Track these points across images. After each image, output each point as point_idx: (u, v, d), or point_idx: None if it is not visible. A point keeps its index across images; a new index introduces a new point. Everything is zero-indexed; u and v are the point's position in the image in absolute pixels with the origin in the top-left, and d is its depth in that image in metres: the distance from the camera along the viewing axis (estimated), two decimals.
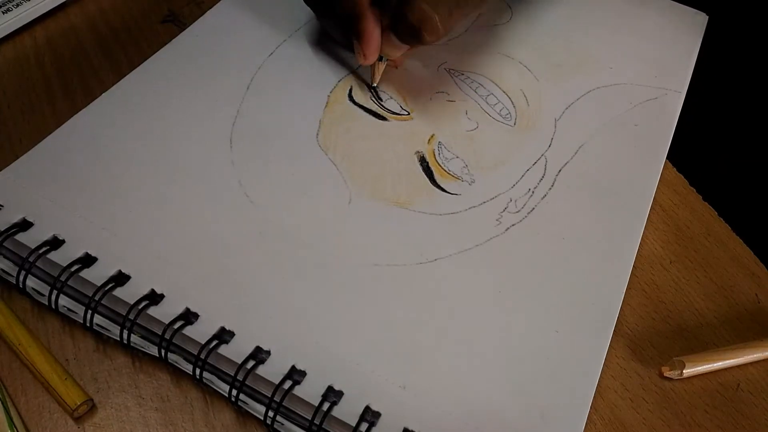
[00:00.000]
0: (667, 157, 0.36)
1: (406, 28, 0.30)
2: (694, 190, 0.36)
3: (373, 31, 0.32)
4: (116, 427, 0.26)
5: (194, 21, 0.38)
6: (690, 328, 0.31)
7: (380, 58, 0.34)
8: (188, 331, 0.26)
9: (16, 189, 0.29)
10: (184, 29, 0.38)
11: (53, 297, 0.27)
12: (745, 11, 0.47)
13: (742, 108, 0.47)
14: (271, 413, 0.25)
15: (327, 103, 0.35)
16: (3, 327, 0.27)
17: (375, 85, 0.36)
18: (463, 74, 0.38)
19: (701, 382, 0.29)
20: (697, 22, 0.43)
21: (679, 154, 0.37)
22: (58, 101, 0.36)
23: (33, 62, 0.38)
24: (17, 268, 0.27)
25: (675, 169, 0.37)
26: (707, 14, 0.44)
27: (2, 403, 0.25)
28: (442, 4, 0.30)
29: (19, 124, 0.35)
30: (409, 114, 0.36)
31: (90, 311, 0.27)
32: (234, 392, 0.26)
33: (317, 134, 0.34)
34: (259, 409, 0.26)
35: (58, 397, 0.26)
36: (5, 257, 0.29)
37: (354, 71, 0.37)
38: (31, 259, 0.27)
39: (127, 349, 0.27)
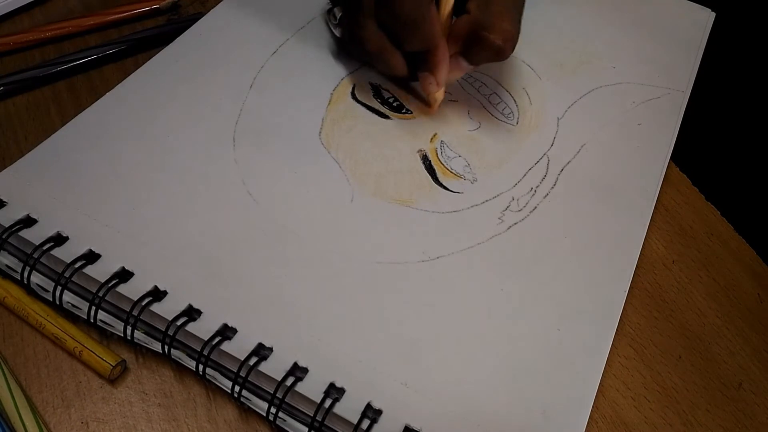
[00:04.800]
0: (670, 157, 0.36)
1: (488, 51, 0.31)
2: (697, 190, 0.36)
3: (445, 59, 0.32)
4: (119, 422, 0.26)
5: (198, 19, 0.39)
6: (692, 327, 0.31)
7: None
8: (191, 327, 0.26)
9: (21, 186, 0.30)
10: (188, 28, 0.38)
11: (57, 293, 0.27)
12: (751, 9, 0.47)
13: (745, 108, 0.47)
14: (273, 409, 0.25)
15: (330, 101, 0.35)
16: (24, 305, 0.28)
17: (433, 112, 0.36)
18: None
19: (703, 381, 0.29)
20: (702, 19, 0.43)
21: (683, 154, 0.37)
22: (63, 99, 0.36)
23: (37, 59, 0.38)
24: (22, 265, 0.28)
25: (678, 168, 0.37)
26: (714, 11, 0.43)
27: (4, 377, 0.26)
28: (514, 17, 0.31)
29: (24, 121, 0.35)
30: (411, 113, 0.36)
31: (94, 307, 0.27)
32: (237, 388, 0.26)
33: (320, 132, 0.34)
34: (261, 406, 0.26)
35: (95, 359, 0.26)
36: (10, 253, 0.29)
37: (355, 70, 0.37)
38: (35, 256, 0.27)
39: (131, 345, 0.27)
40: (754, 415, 0.28)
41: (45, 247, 0.27)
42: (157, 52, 0.36)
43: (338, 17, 0.38)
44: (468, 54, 0.32)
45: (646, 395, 0.29)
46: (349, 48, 0.37)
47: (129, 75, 0.35)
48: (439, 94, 0.35)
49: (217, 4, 0.40)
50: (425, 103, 0.36)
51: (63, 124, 0.32)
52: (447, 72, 0.33)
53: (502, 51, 0.31)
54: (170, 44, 0.37)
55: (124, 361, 0.27)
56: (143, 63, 0.36)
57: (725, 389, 0.29)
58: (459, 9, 0.33)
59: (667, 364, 0.29)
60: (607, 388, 0.28)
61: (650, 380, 0.29)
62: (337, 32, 0.38)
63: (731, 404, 0.29)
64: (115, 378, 0.27)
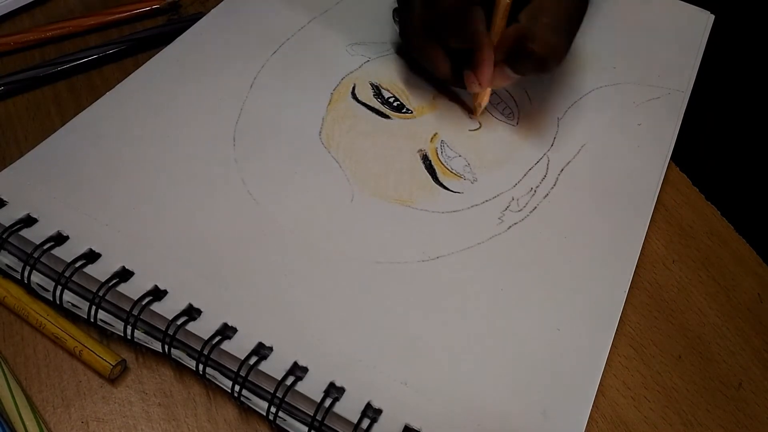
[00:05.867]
0: (670, 157, 0.36)
1: (531, 61, 0.31)
2: (697, 190, 0.36)
3: (490, 60, 0.32)
4: (119, 422, 0.26)
5: (198, 19, 0.39)
6: (692, 327, 0.31)
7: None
8: (191, 327, 0.26)
9: (21, 186, 0.30)
10: (188, 28, 0.38)
11: (58, 292, 0.27)
12: (750, 11, 0.47)
13: (745, 108, 0.47)
14: (273, 409, 0.25)
15: (330, 100, 0.35)
16: (24, 304, 0.28)
17: (477, 117, 0.36)
18: None
19: (703, 381, 0.29)
20: (702, 21, 0.43)
21: (683, 154, 0.37)
22: (63, 99, 0.36)
23: (37, 59, 0.38)
24: (22, 264, 0.28)
25: (678, 168, 0.37)
26: (713, 13, 0.43)
27: (4, 377, 0.26)
28: (562, 31, 0.31)
29: (24, 121, 0.35)
30: (412, 112, 0.36)
31: (94, 307, 0.27)
32: (236, 388, 0.26)
33: (320, 132, 0.34)
34: (261, 405, 0.26)
35: (95, 359, 0.26)
36: (10, 253, 0.29)
37: (356, 70, 0.37)
38: (35, 255, 0.27)
39: (131, 344, 0.27)
40: (754, 415, 0.28)
41: (45, 247, 0.27)
42: (157, 52, 0.36)
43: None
44: (513, 63, 0.32)
45: (646, 395, 0.29)
46: (405, 46, 0.37)
47: (129, 75, 0.35)
48: (483, 99, 0.34)
49: (217, 4, 0.40)
50: (469, 109, 0.36)
51: (63, 124, 0.32)
52: (490, 73, 0.32)
53: (545, 63, 0.31)
54: (170, 44, 0.37)
55: (124, 360, 0.27)
56: (143, 63, 0.36)
57: (725, 389, 0.29)
58: (514, 18, 0.32)
59: (667, 363, 0.29)
60: (607, 388, 0.28)
61: (650, 380, 0.29)
62: (398, 29, 0.38)
63: (731, 404, 0.29)
64: (115, 377, 0.27)
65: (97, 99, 0.34)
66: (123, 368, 0.27)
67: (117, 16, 0.40)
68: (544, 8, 0.31)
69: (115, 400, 0.26)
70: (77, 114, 0.33)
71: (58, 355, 0.27)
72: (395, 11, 0.40)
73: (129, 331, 0.27)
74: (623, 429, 0.28)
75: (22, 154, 0.31)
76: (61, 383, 0.27)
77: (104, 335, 0.28)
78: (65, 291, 0.28)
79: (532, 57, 0.31)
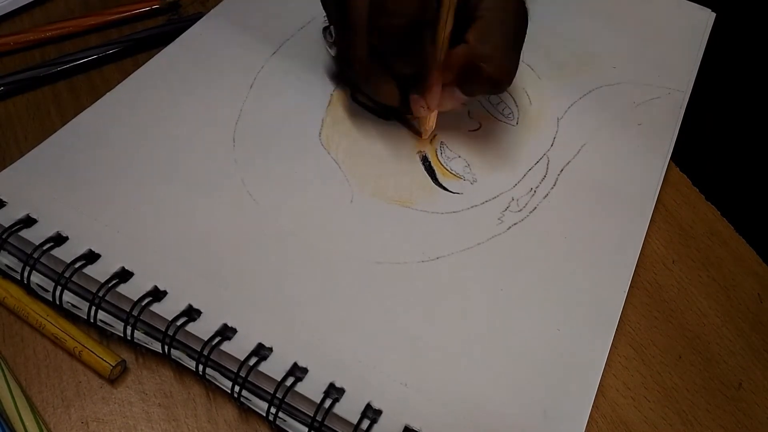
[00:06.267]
0: (670, 157, 0.36)
1: (484, 83, 0.30)
2: (697, 190, 0.36)
3: (438, 83, 0.31)
4: (120, 422, 0.26)
5: (198, 19, 0.39)
6: (692, 327, 0.31)
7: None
8: (191, 327, 0.26)
9: (21, 186, 0.30)
10: (188, 27, 0.38)
11: (57, 293, 0.27)
12: (751, 10, 0.47)
13: (745, 108, 0.47)
14: (273, 409, 0.25)
15: (329, 101, 0.35)
16: (23, 305, 0.28)
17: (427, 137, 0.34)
18: None
19: (703, 381, 0.29)
20: (703, 19, 0.43)
21: (683, 154, 0.37)
22: (63, 99, 0.36)
23: (37, 59, 0.38)
24: (22, 264, 0.28)
25: (678, 168, 0.37)
26: (714, 11, 0.43)
27: (4, 377, 0.26)
28: (512, 51, 0.31)
29: (24, 121, 0.35)
30: (411, 114, 0.36)
31: (94, 307, 0.27)
32: (236, 388, 0.26)
33: (320, 133, 0.34)
34: (261, 406, 0.26)
35: (95, 359, 0.26)
36: (10, 253, 0.29)
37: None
38: (35, 256, 0.27)
39: (131, 345, 0.27)
40: (754, 415, 0.28)
41: (45, 247, 0.27)
42: (157, 52, 0.36)
43: (334, 36, 0.37)
44: (463, 84, 0.31)
45: (646, 395, 0.29)
46: (342, 70, 0.36)
47: (129, 75, 0.35)
48: (431, 122, 0.33)
49: (217, 4, 0.40)
50: (417, 132, 0.35)
51: (63, 124, 0.32)
52: (438, 96, 0.32)
53: (499, 84, 0.30)
54: (169, 45, 0.37)
55: (123, 361, 0.27)
56: (143, 63, 0.36)
57: (725, 389, 0.29)
58: (456, 40, 0.31)
59: (667, 363, 0.29)
60: (607, 388, 0.28)
61: (650, 380, 0.29)
62: (332, 52, 0.37)
63: (731, 404, 0.29)
64: (115, 378, 0.27)
65: (97, 99, 0.34)
66: (123, 369, 0.27)
67: (117, 16, 0.40)
68: (492, 28, 0.30)
69: (115, 401, 0.26)
70: (77, 114, 0.33)
71: (58, 356, 0.27)
72: (326, 30, 0.38)
73: (129, 332, 0.27)
74: (623, 429, 0.28)
75: (22, 154, 0.31)
76: (61, 384, 0.27)
77: (104, 336, 0.28)
78: (65, 291, 0.28)
79: (485, 79, 0.30)
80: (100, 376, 0.27)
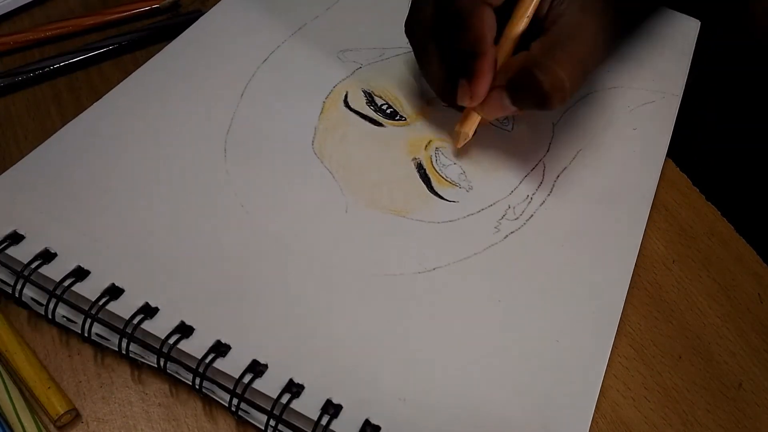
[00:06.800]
0: (670, 157, 0.36)
1: (534, 93, 0.28)
2: (697, 190, 0.36)
3: (489, 73, 0.29)
4: (120, 422, 0.26)
5: (197, 17, 0.38)
6: (692, 327, 0.31)
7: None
8: (184, 345, 0.26)
9: (6, 201, 0.29)
10: (187, 24, 0.38)
11: (49, 311, 0.27)
12: (731, 19, 0.47)
13: (745, 108, 0.47)
14: (272, 423, 0.25)
15: (322, 109, 0.35)
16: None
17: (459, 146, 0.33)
18: None
19: (703, 381, 0.29)
20: (690, 27, 0.43)
21: (683, 154, 0.37)
22: (63, 98, 0.36)
23: (36, 57, 0.38)
24: (12, 281, 0.27)
25: (678, 168, 0.37)
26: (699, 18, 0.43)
27: (1, 377, 0.25)
28: (575, 71, 0.28)
29: (24, 121, 0.35)
30: (405, 119, 0.35)
31: (87, 324, 0.26)
32: (234, 402, 0.25)
33: (313, 141, 0.33)
34: (260, 419, 0.25)
35: (41, 405, 0.25)
36: (2, 265, 0.28)
37: (347, 77, 0.37)
38: (25, 273, 0.27)
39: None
40: (754, 415, 0.28)
41: (33, 266, 0.27)
42: (157, 50, 0.36)
43: None
44: (513, 91, 0.29)
45: (646, 395, 0.28)
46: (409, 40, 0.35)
47: (127, 74, 0.35)
48: (469, 127, 0.32)
49: (211, 8, 0.39)
50: (453, 138, 0.34)
51: (63, 124, 0.32)
52: (486, 86, 0.30)
53: (548, 98, 0.28)
54: (163, 49, 0.36)
55: (74, 409, 0.26)
56: (142, 60, 0.36)
57: (725, 389, 0.29)
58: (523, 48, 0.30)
59: (667, 364, 0.29)
60: (607, 388, 0.28)
61: (650, 380, 0.29)
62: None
63: (731, 404, 0.29)
64: (62, 426, 0.25)
65: (97, 100, 0.33)
66: (73, 417, 0.26)
67: (116, 15, 0.40)
68: (560, 42, 0.28)
69: (115, 400, 0.26)
70: (77, 114, 0.33)
71: (58, 356, 0.27)
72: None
73: (124, 346, 0.26)
74: (623, 429, 0.27)
75: (22, 154, 0.31)
76: (61, 384, 0.26)
77: (99, 348, 0.27)
78: (58, 308, 0.27)
79: (536, 89, 0.28)
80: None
